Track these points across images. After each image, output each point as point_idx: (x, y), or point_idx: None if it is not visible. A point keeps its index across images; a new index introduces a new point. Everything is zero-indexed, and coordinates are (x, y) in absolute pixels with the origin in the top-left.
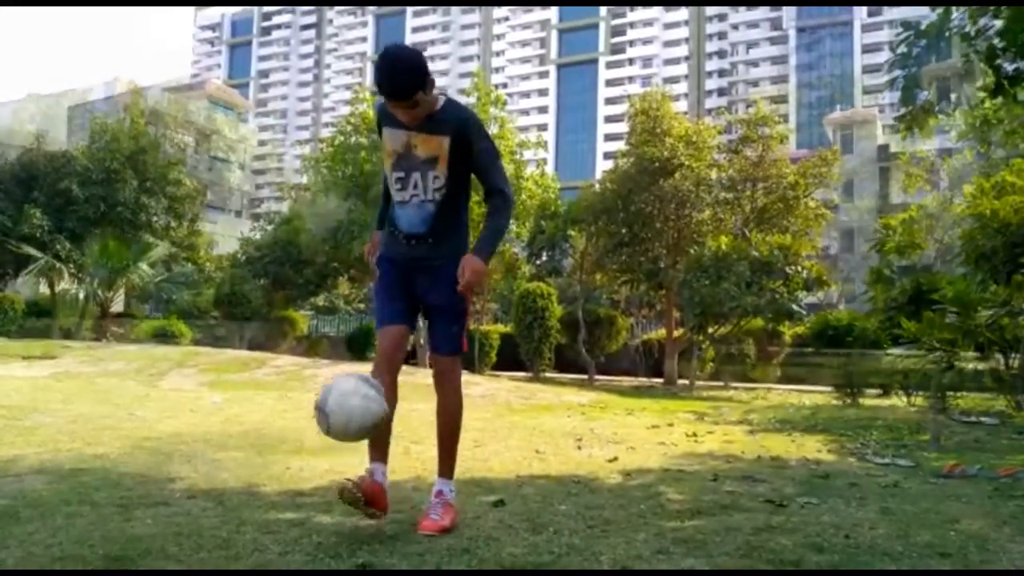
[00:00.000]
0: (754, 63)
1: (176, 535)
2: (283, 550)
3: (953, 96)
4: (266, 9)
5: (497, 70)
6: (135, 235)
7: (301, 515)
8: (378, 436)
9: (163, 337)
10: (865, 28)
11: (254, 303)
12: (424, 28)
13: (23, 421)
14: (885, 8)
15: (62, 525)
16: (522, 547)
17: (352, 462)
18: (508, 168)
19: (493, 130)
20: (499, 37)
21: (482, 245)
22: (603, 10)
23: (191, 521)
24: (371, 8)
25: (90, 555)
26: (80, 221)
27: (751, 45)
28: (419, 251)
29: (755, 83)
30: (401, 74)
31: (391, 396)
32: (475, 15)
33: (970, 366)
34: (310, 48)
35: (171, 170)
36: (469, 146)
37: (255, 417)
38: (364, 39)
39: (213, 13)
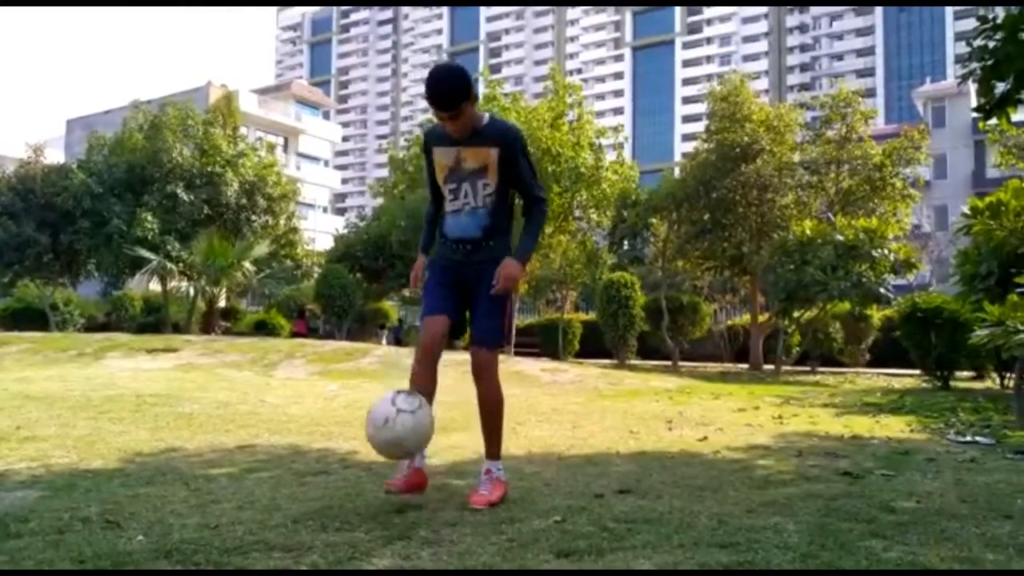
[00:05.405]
0: (838, 36)
1: (344, 495)
2: (436, 507)
3: None
4: (344, 8)
5: (571, 55)
6: (238, 234)
7: (437, 481)
8: None
9: (263, 329)
10: None
11: (351, 296)
12: (498, 17)
13: (177, 408)
14: None
15: (258, 483)
16: (629, 506)
17: (466, 438)
18: (587, 158)
19: (571, 118)
20: (573, 22)
21: (523, 251)
22: None
23: (351, 485)
24: None
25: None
26: (187, 222)
27: (834, 17)
28: (472, 255)
29: (839, 56)
30: (447, 85)
31: (431, 385)
32: None
33: None
34: (387, 43)
35: (268, 172)
36: (516, 158)
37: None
38: (440, 31)
39: (294, 13)
